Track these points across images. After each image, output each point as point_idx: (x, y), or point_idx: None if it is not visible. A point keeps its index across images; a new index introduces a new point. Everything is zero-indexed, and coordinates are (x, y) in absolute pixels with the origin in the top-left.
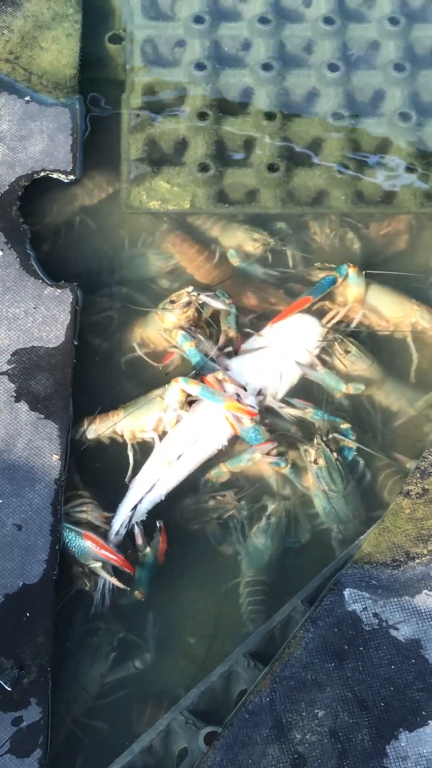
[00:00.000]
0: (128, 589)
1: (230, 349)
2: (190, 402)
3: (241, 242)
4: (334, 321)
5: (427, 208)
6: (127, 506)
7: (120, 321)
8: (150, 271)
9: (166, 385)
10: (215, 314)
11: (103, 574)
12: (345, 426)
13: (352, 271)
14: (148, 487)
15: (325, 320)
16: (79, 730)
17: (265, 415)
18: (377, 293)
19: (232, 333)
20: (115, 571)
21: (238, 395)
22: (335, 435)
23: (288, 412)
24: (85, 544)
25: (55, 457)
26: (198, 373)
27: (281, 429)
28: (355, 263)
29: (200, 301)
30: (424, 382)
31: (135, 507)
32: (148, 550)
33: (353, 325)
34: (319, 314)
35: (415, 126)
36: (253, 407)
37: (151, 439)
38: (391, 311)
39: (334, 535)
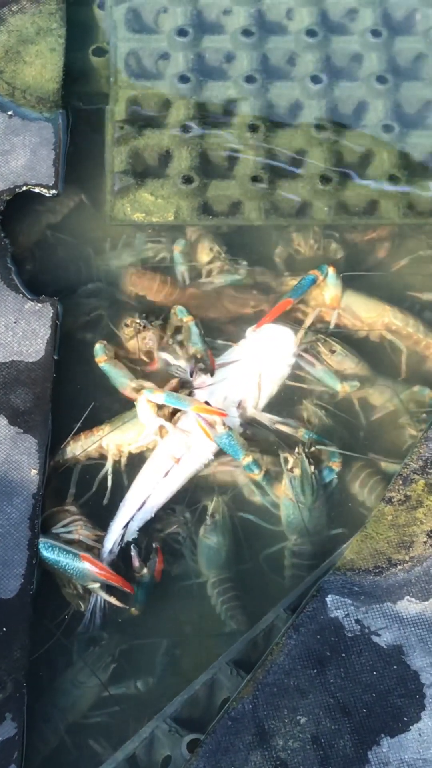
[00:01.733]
0: (126, 607)
1: (203, 366)
2: (174, 412)
3: (202, 248)
4: (310, 320)
5: (410, 218)
6: (119, 524)
7: (110, 317)
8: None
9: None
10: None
11: (102, 594)
12: (332, 449)
13: (331, 271)
14: (139, 504)
15: (305, 324)
16: (70, 739)
17: (246, 426)
18: (351, 295)
19: (199, 353)
20: (110, 589)
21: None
22: (319, 447)
23: (277, 426)
24: (83, 566)
25: (34, 472)
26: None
27: (262, 439)
28: (339, 271)
29: (149, 329)
30: (406, 378)
31: (126, 525)
32: (145, 570)
33: (332, 324)
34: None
35: (397, 137)
36: (222, 409)
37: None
38: (365, 311)
39: (289, 546)
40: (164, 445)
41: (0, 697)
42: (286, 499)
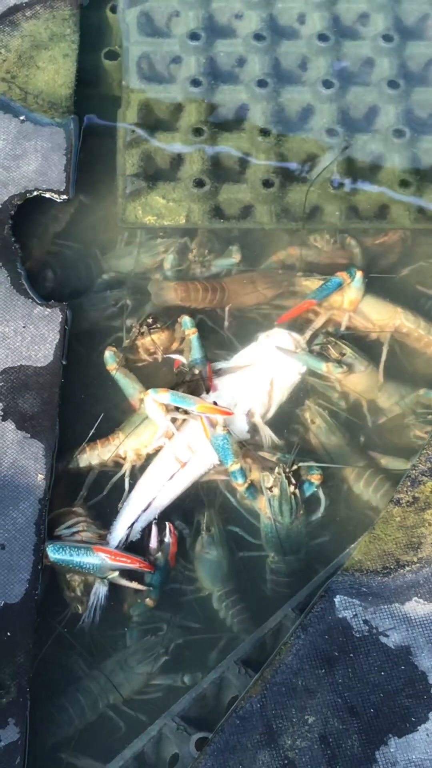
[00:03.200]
0: (151, 588)
1: (200, 382)
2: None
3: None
4: (320, 322)
5: (421, 223)
6: (124, 524)
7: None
8: (138, 268)
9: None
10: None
11: (123, 581)
12: (315, 477)
13: (359, 275)
14: (145, 505)
15: (315, 325)
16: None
17: (253, 434)
18: (365, 298)
19: (198, 369)
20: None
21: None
22: (302, 466)
23: (265, 435)
24: (99, 557)
25: (40, 477)
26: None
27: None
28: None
29: (150, 332)
30: (413, 381)
31: (131, 525)
32: (159, 554)
33: (342, 327)
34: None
35: (408, 142)
36: (227, 408)
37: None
38: (377, 314)
39: (268, 562)
40: (170, 447)
41: (3, 702)
42: (264, 516)
